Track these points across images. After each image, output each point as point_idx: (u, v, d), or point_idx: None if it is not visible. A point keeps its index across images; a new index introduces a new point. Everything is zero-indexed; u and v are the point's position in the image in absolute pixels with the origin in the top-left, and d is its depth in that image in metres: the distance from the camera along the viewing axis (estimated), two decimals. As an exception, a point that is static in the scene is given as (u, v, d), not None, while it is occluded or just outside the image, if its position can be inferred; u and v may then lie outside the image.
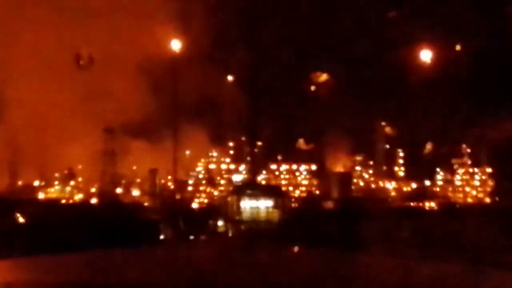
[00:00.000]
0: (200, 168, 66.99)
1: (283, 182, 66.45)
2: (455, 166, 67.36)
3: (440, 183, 67.82)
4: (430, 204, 64.80)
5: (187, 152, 66.29)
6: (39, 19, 57.96)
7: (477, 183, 66.83)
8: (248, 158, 65.31)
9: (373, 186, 68.08)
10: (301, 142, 66.55)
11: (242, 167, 66.58)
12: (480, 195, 66.48)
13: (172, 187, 63.94)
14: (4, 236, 39.17)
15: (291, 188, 66.01)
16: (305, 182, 66.80)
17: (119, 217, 51.89)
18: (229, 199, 60.37)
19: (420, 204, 64.98)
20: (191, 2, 58.29)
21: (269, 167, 67.25)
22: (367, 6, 58.42)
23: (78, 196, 64.68)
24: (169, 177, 63.89)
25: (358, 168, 68.21)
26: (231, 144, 67.21)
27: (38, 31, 57.91)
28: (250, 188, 60.66)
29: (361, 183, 67.96)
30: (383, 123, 64.62)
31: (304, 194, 66.15)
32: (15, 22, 57.83)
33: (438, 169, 67.71)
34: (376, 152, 67.43)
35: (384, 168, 68.46)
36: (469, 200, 66.33)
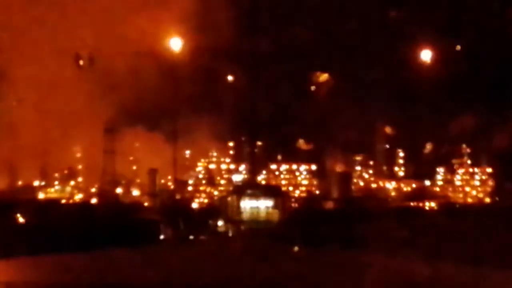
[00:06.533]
0: (200, 168, 66.95)
1: (283, 182, 66.38)
2: (455, 166, 67.31)
3: (440, 183, 67.76)
4: (430, 204, 64.76)
5: (187, 152, 66.29)
6: (39, 18, 57.90)
7: (477, 183, 66.77)
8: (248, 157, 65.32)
9: (373, 186, 68.03)
10: (301, 142, 66.48)
11: (242, 167, 66.53)
12: (480, 195, 66.42)
13: (172, 187, 63.91)
14: (4, 236, 39.15)
15: (291, 188, 65.95)
16: (305, 182, 66.72)
17: (119, 217, 51.91)
18: (229, 199, 60.33)
19: (420, 204, 64.92)
20: (192, 0, 58.22)
21: (269, 167, 67.20)
22: (367, 6, 58.42)
23: (78, 196, 64.63)
24: (169, 177, 63.87)
25: (358, 168, 68.17)
26: (231, 144, 67.18)
27: (37, 30, 57.85)
28: (250, 188, 60.62)
29: (361, 183, 67.90)
30: (383, 123, 64.58)
31: (304, 194, 66.08)
32: (14, 21, 57.78)
33: (438, 169, 67.67)
34: (376, 152, 67.39)
35: (384, 168, 68.42)
36: (469, 200, 66.28)
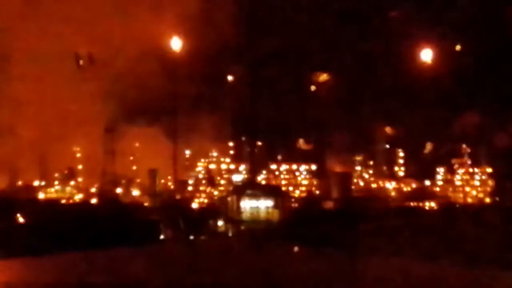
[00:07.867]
0: (200, 168, 66.96)
1: (283, 182, 66.41)
2: (455, 166, 67.29)
3: (440, 183, 67.76)
4: (430, 204, 64.77)
5: (187, 152, 66.30)
6: (39, 18, 57.91)
7: (477, 183, 66.75)
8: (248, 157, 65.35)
9: (373, 186, 68.03)
10: (301, 142, 66.50)
11: (242, 167, 66.55)
12: (480, 195, 66.40)
13: (172, 187, 63.93)
14: (4, 236, 39.18)
15: (291, 188, 65.97)
16: (305, 182, 66.74)
17: (119, 217, 51.95)
18: (229, 199, 60.37)
19: (420, 204, 64.94)
20: (191, 0, 58.23)
21: (269, 167, 67.21)
22: (367, 6, 58.43)
23: (78, 196, 64.66)
24: (169, 177, 63.89)
25: (358, 168, 68.18)
26: (231, 144, 67.18)
27: (37, 30, 57.86)
28: (250, 188, 60.67)
29: (361, 183, 67.91)
30: (383, 123, 64.57)
31: (304, 194, 66.10)
32: (14, 21, 57.79)
33: (438, 169, 67.66)
34: (376, 152, 67.40)
35: (384, 168, 68.42)
36: (469, 200, 66.27)
